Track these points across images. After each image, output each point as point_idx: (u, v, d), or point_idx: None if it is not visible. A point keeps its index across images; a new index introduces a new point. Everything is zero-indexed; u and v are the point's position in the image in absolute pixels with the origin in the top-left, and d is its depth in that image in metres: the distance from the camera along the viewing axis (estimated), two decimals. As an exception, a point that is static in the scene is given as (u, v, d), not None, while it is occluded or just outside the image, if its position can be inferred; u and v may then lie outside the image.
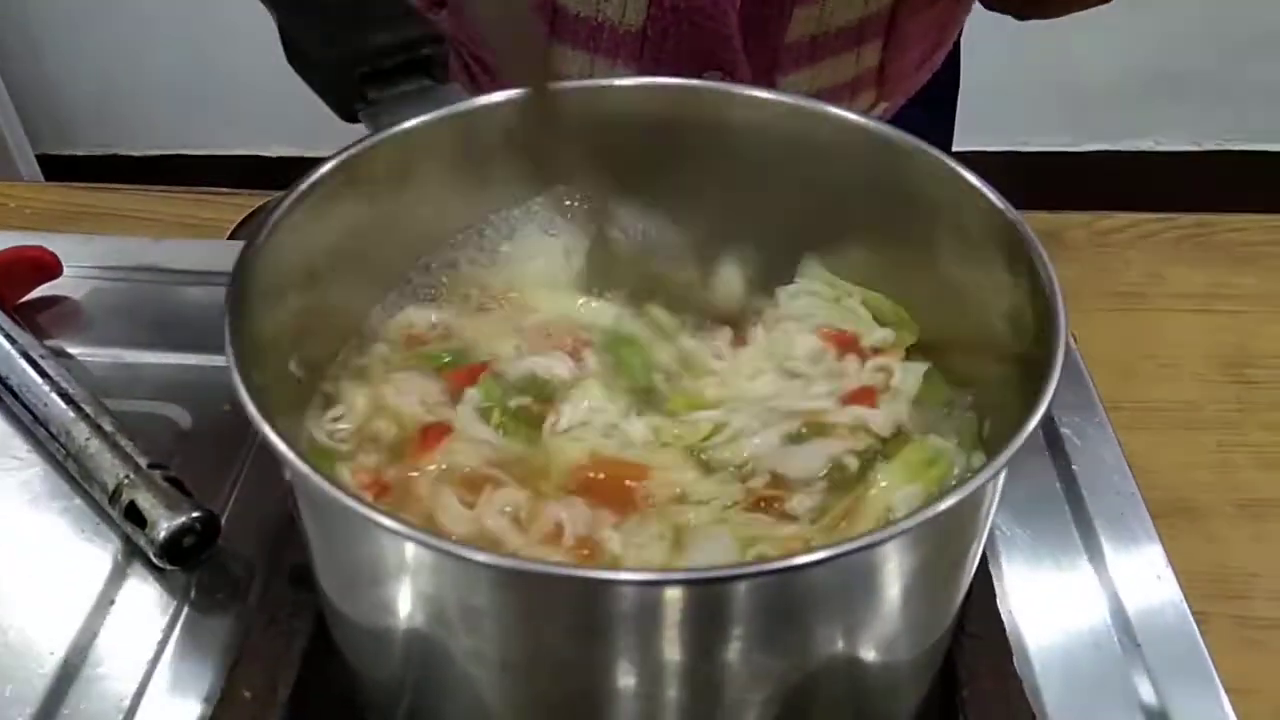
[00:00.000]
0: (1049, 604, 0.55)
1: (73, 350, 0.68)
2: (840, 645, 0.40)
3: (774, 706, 0.40)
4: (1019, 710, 0.49)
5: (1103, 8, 0.75)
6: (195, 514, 0.55)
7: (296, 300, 0.46)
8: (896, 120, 0.86)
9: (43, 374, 0.61)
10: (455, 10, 0.81)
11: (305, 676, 0.49)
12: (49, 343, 0.66)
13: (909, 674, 0.45)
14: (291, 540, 0.52)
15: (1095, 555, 0.57)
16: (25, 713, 0.50)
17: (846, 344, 0.52)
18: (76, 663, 0.52)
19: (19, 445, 0.62)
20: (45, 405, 0.60)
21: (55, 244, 0.72)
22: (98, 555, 0.57)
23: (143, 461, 0.57)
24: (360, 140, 0.47)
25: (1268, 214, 0.87)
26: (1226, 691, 0.52)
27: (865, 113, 0.83)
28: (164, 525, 0.54)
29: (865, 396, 0.50)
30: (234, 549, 0.57)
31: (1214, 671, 0.52)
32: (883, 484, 0.46)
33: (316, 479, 0.35)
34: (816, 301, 0.54)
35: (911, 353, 0.53)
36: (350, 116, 0.48)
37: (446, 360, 0.51)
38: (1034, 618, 0.55)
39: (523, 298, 0.54)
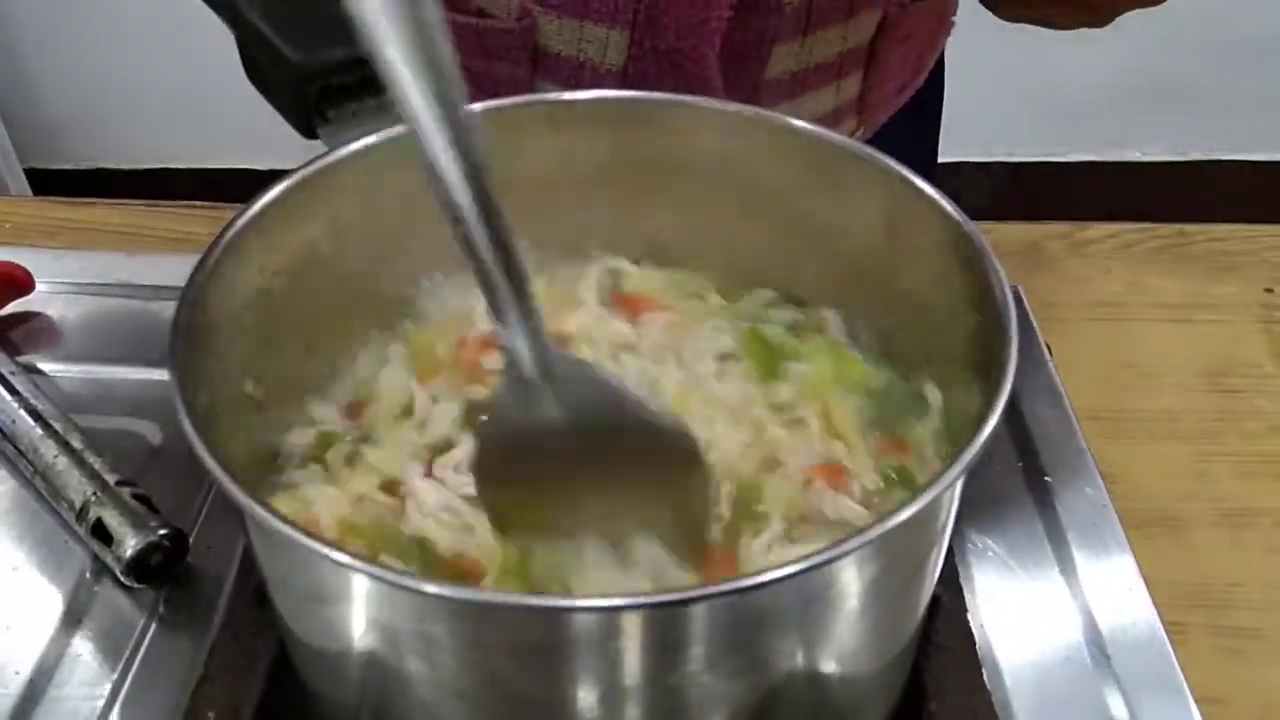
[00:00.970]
0: (1020, 616, 0.55)
1: (44, 366, 0.67)
2: (802, 659, 0.39)
3: (737, 726, 0.40)
4: (988, 724, 0.49)
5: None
6: (163, 532, 0.55)
7: (251, 319, 0.45)
8: (881, 132, 0.86)
9: (11, 390, 0.61)
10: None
11: (269, 696, 0.48)
12: (20, 359, 0.66)
13: (874, 686, 0.45)
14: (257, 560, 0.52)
15: (1067, 567, 0.57)
16: (-11, 732, 0.50)
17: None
18: (42, 682, 0.52)
19: (-14, 463, 0.61)
20: (14, 422, 0.60)
21: (29, 259, 0.72)
22: (65, 573, 0.56)
23: (111, 479, 0.57)
24: (316, 158, 0.47)
25: (1248, 224, 0.87)
26: (1201, 702, 0.52)
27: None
28: (131, 543, 0.54)
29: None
30: (202, 567, 0.56)
31: (1185, 684, 0.52)
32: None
33: (258, 509, 0.35)
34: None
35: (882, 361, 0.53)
36: (310, 133, 0.48)
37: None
38: (1004, 630, 0.54)
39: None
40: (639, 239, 0.57)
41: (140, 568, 0.54)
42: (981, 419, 0.36)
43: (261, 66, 0.47)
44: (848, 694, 0.43)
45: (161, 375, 0.67)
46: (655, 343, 0.54)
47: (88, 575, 0.56)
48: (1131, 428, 0.70)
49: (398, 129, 0.48)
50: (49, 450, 0.58)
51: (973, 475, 0.38)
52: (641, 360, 0.53)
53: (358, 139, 0.48)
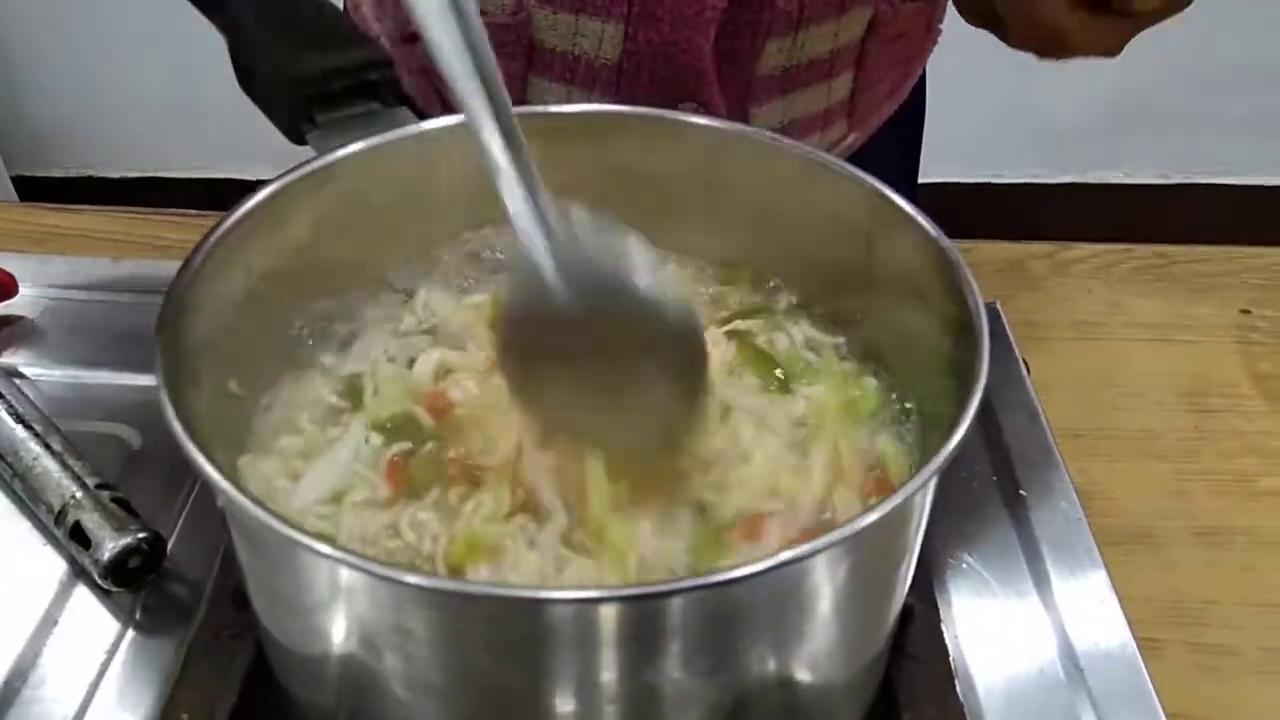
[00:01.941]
0: (993, 630, 0.55)
1: (26, 370, 0.67)
2: (775, 660, 0.40)
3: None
4: (960, 736, 0.49)
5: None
6: (141, 535, 0.55)
7: (235, 321, 0.46)
8: (865, 151, 0.87)
9: (-8, 393, 0.61)
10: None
11: (245, 699, 0.48)
12: (2, 362, 0.66)
13: (846, 693, 0.45)
14: (237, 562, 0.52)
15: (1041, 581, 0.57)
16: (-38, 735, 0.50)
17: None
18: (17, 684, 0.52)
19: (-34, 465, 0.61)
20: (-6, 424, 0.60)
21: (13, 264, 0.72)
22: (43, 576, 0.56)
23: (90, 482, 0.57)
24: (303, 163, 0.47)
25: (1226, 245, 0.88)
26: (1174, 718, 0.52)
27: (835, 145, 0.84)
28: (109, 546, 0.54)
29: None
30: (180, 571, 0.56)
31: (1157, 699, 0.52)
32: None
33: (240, 498, 0.35)
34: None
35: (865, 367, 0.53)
36: (298, 139, 0.48)
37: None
38: (978, 643, 0.54)
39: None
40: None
41: (118, 571, 0.54)
42: (953, 422, 0.37)
43: (252, 72, 0.47)
44: (820, 699, 0.43)
45: (143, 380, 0.68)
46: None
47: (65, 579, 0.56)
48: (1111, 446, 0.71)
49: (384, 136, 0.49)
50: (28, 453, 0.58)
51: (948, 488, 0.38)
52: None
53: (345, 144, 0.48)
